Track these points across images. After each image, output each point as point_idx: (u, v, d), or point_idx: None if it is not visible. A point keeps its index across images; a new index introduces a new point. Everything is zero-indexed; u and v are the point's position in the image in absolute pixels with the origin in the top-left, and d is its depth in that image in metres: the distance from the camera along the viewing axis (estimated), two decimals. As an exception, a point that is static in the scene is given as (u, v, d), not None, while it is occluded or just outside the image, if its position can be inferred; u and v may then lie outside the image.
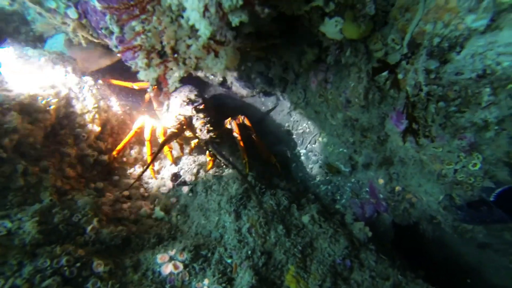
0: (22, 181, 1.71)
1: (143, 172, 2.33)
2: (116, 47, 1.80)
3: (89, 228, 1.83)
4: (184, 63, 1.44)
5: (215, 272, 1.91)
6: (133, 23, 1.34)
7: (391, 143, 2.15)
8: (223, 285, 1.84)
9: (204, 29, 1.22)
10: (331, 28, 1.53)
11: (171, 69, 1.45)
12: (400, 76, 1.47)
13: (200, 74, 3.49)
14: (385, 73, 1.47)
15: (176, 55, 1.40)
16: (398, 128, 1.90)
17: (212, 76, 3.56)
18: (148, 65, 1.42)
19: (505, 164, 1.73)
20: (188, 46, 1.34)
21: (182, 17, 1.29)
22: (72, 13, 1.70)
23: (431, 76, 1.37)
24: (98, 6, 1.57)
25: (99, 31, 1.82)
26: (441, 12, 1.38)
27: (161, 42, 1.37)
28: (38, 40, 2.64)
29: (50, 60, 2.25)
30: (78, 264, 1.58)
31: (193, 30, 1.30)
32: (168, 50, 1.37)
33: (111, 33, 1.72)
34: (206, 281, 1.85)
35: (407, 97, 1.41)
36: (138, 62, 1.41)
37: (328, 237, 2.27)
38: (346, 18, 1.54)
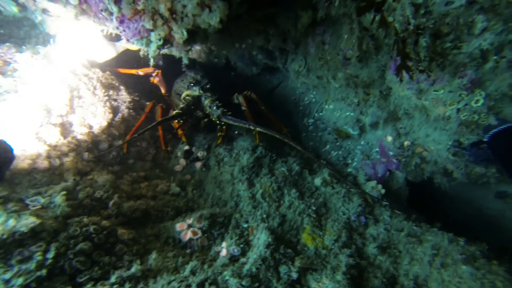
0: (47, 164, 1.84)
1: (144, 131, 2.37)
2: (117, 28, 1.89)
3: (111, 203, 1.94)
4: (183, 21, 1.51)
5: (233, 236, 1.99)
6: None
7: (393, 96, 2.15)
8: (241, 245, 1.92)
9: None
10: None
11: (172, 29, 1.54)
12: (390, 18, 1.48)
13: (203, 58, 3.57)
14: (371, 13, 1.48)
15: (174, 15, 1.48)
16: (398, 77, 1.91)
17: (216, 59, 3.63)
18: (155, 26, 1.51)
19: (511, 99, 1.72)
20: (184, 6, 1.42)
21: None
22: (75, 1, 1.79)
23: (421, 11, 1.38)
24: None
25: (100, 15, 1.91)
26: None
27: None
28: (47, 39, 2.78)
29: (60, 55, 2.37)
30: (104, 232, 1.69)
31: None
32: (165, 12, 1.46)
33: (111, 14, 1.80)
34: (224, 244, 1.94)
35: (396, 33, 1.42)
36: (145, 24, 1.50)
37: (341, 197, 2.32)
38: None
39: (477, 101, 1.71)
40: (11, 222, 1.46)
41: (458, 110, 1.77)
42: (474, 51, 1.50)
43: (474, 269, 1.66)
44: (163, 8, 1.44)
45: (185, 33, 1.53)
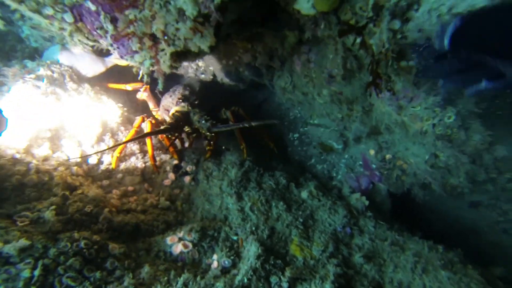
0: (36, 178, 1.83)
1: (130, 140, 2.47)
2: (111, 45, 1.94)
3: (101, 217, 1.94)
4: (174, 44, 1.58)
5: (223, 248, 2.02)
6: (126, 12, 1.49)
7: (375, 112, 2.29)
8: (232, 257, 1.95)
9: (191, 9, 1.38)
10: (304, 4, 1.68)
11: (162, 49, 1.60)
12: (371, 41, 1.61)
13: (191, 74, 3.65)
14: (352, 36, 1.61)
15: (166, 37, 1.55)
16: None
17: (203, 75, 3.71)
18: (141, 48, 1.57)
19: (477, 115, 1.88)
20: (177, 29, 1.50)
21: (170, 3, 1.44)
22: (68, 17, 1.83)
23: (398, 36, 1.51)
24: (92, 6, 1.71)
25: (94, 32, 1.96)
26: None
27: (151, 28, 1.53)
28: (33, 56, 2.78)
29: (49, 69, 2.39)
30: (95, 247, 1.69)
31: (180, 14, 1.45)
32: (159, 33, 1.53)
33: (106, 32, 1.85)
34: (215, 256, 1.97)
35: (373, 55, 1.55)
36: (131, 45, 1.55)
37: (327, 209, 2.40)
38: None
39: (449, 117, 1.85)
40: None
41: (434, 125, 1.91)
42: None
43: (452, 274, 1.77)
44: (158, 31, 1.51)
45: (168, 62, 1.62)
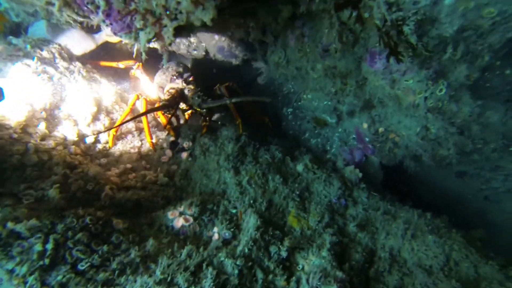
0: (36, 158, 1.85)
1: (127, 121, 2.51)
2: (103, 21, 1.90)
3: (103, 194, 1.98)
4: (176, 18, 1.58)
5: (223, 221, 2.10)
6: None
7: (369, 86, 2.32)
8: (232, 230, 2.03)
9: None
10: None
11: (165, 25, 1.59)
12: (366, 14, 1.62)
13: (183, 51, 3.59)
14: (347, 10, 1.62)
15: (168, 12, 1.54)
16: (372, 67, 2.07)
17: (195, 52, 3.66)
18: (145, 25, 1.56)
19: (467, 88, 1.93)
20: (178, 3, 1.48)
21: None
22: (58, -8, 1.79)
23: (393, 8, 1.53)
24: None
25: (84, 8, 1.92)
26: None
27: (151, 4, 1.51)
28: (16, 31, 2.68)
29: (37, 47, 2.34)
30: (100, 222, 1.75)
31: None
32: (160, 9, 1.51)
33: (97, 7, 1.81)
34: (215, 229, 2.04)
35: (379, 29, 1.57)
36: (136, 24, 1.54)
37: (322, 181, 2.48)
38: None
39: (441, 90, 1.91)
40: (10, 225, 1.48)
41: (425, 98, 1.97)
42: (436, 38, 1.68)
43: (438, 237, 1.90)
44: (158, 6, 1.50)
45: (172, 37, 1.61)
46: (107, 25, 1.96)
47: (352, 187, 2.55)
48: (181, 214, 2.07)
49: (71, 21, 2.30)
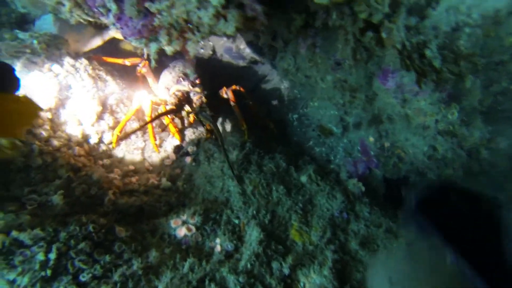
0: (40, 160, 1.82)
1: (135, 130, 2.48)
2: (114, 24, 1.86)
3: (106, 199, 1.97)
4: (199, 31, 1.55)
5: (225, 232, 2.09)
6: (146, 4, 1.44)
7: (379, 101, 2.30)
8: (234, 242, 2.03)
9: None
10: (319, -5, 1.63)
11: (189, 39, 1.57)
12: (383, 35, 1.59)
13: (190, 48, 3.54)
14: (370, 33, 1.59)
15: (190, 25, 1.51)
16: (384, 85, 2.05)
17: (202, 50, 3.61)
18: (171, 40, 1.54)
19: (480, 112, 1.92)
20: (200, 17, 1.45)
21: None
22: (68, -7, 1.74)
23: (412, 32, 1.50)
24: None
25: (95, 9, 1.87)
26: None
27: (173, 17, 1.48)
28: (22, 22, 2.62)
29: (44, 42, 2.29)
30: (103, 230, 1.73)
31: (201, 1, 1.40)
32: (181, 22, 1.48)
33: (108, 10, 1.77)
34: (218, 240, 2.03)
35: (399, 52, 1.55)
36: (161, 39, 1.52)
37: (325, 194, 2.47)
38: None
39: (453, 113, 1.89)
40: (14, 234, 1.47)
41: (437, 121, 1.95)
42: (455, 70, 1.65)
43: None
44: (179, 19, 1.47)
45: (199, 40, 1.58)
46: (117, 29, 1.93)
47: (354, 200, 2.54)
48: (184, 223, 2.06)
49: (81, 20, 2.25)
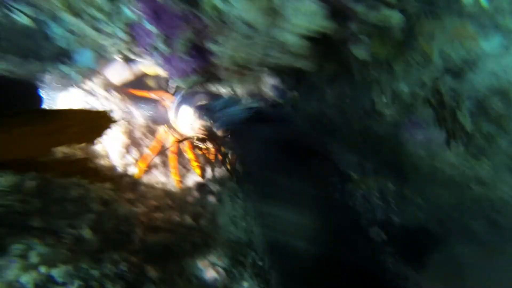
0: (76, 193, 1.80)
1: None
2: (159, 64, 1.94)
3: (136, 237, 1.93)
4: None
5: (252, 276, 2.05)
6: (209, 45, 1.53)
7: (403, 151, 2.37)
8: (262, 285, 1.98)
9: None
10: (362, 52, 1.75)
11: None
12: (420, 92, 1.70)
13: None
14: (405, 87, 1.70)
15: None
16: (412, 136, 2.13)
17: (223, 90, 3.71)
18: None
19: (508, 167, 1.99)
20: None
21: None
22: (125, 37, 1.82)
23: (451, 93, 1.60)
24: (154, 30, 1.70)
25: (141, 48, 1.95)
26: (459, 36, 1.62)
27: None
28: (61, 55, 2.71)
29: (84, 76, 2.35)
30: (134, 270, 1.68)
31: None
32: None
33: (156, 49, 1.85)
34: (245, 284, 1.98)
35: (434, 110, 1.64)
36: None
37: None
38: (375, 41, 1.76)
39: (482, 168, 1.95)
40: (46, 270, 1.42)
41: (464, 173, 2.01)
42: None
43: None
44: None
45: None
46: (164, 70, 2.00)
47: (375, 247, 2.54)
48: (212, 264, 2.01)
49: (120, 55, 2.33)
